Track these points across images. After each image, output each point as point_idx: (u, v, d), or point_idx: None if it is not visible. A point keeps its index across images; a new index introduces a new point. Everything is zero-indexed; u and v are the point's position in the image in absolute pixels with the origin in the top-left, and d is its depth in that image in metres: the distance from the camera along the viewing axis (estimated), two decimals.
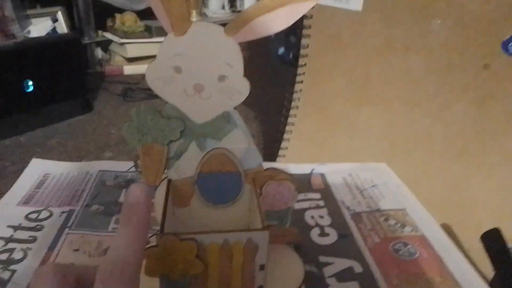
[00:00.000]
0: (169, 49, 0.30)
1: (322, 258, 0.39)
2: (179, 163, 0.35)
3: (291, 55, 0.71)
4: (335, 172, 0.53)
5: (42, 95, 0.93)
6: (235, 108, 0.34)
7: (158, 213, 0.35)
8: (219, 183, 0.36)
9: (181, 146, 0.34)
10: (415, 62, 0.61)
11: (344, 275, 0.37)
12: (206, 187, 0.36)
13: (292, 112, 0.70)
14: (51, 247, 0.38)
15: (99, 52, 1.34)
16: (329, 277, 0.37)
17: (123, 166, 0.51)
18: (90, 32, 1.26)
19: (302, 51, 0.64)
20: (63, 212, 0.43)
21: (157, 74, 0.31)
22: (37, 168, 0.50)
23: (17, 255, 0.37)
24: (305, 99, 0.68)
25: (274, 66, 0.84)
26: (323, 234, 0.42)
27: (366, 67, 0.63)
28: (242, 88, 0.33)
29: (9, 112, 0.89)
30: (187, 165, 0.35)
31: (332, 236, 0.42)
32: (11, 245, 0.38)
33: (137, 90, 1.03)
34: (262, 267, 0.32)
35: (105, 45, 1.36)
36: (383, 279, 0.37)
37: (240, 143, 0.35)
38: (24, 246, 0.38)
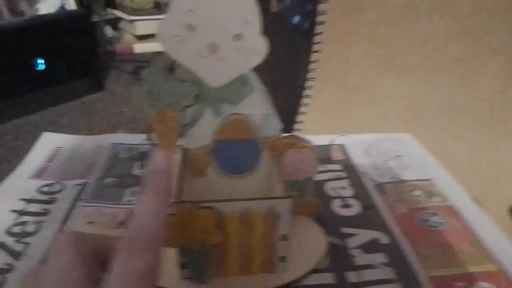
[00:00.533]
0: (181, 4, 0.28)
1: (345, 230, 0.37)
2: (194, 131, 0.33)
3: (307, 24, 0.67)
4: (356, 143, 0.51)
5: (53, 74, 0.92)
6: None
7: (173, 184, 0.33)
8: (236, 152, 0.34)
9: (195, 112, 0.32)
10: (440, 25, 0.57)
11: (369, 247, 0.35)
12: (222, 156, 0.34)
13: (308, 83, 0.67)
14: (65, 220, 0.37)
15: (108, 31, 1.32)
16: (353, 248, 0.35)
17: (136, 138, 0.49)
18: (99, 9, 1.23)
19: (319, 18, 0.61)
20: (76, 185, 0.41)
21: (168, 32, 0.29)
22: (49, 142, 0.49)
23: (30, 228, 0.36)
24: (322, 69, 0.65)
25: (288, 37, 0.81)
26: (345, 205, 0.40)
27: (387, 32, 0.59)
28: (259, 47, 0.30)
29: (21, 91, 0.88)
30: (202, 132, 0.33)
31: (356, 208, 0.40)
32: (24, 218, 0.37)
33: None
34: (284, 237, 0.30)
35: (114, 23, 1.33)
36: (411, 250, 0.35)
37: (258, 108, 0.33)
38: (37, 219, 0.37)
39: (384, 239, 0.36)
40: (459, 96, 0.59)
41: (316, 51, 0.64)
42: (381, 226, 0.37)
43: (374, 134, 0.53)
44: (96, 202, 0.39)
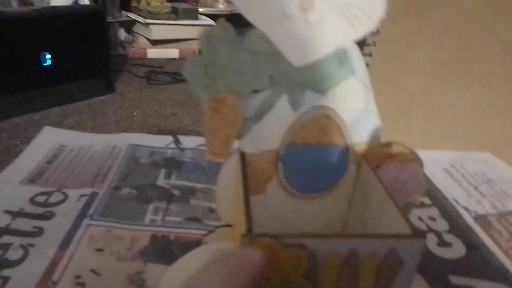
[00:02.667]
0: None
1: (454, 279, 0.27)
2: (259, 128, 0.23)
3: None
4: (432, 162, 0.41)
5: (61, 71, 0.84)
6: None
7: (221, 202, 0.24)
8: (314, 161, 0.24)
9: (265, 100, 0.22)
10: None
11: None
12: (294, 166, 0.24)
13: None
14: (64, 245, 0.26)
15: (122, 34, 1.27)
16: None
17: (160, 140, 0.39)
18: (114, 10, 1.18)
19: None
20: (82, 196, 0.31)
21: None
22: (51, 138, 0.39)
23: (13, 254, 0.25)
24: (374, 75, 0.55)
25: None
26: (443, 243, 0.30)
27: (460, 34, 0.50)
28: (374, 7, 0.21)
29: (23, 87, 0.79)
30: (271, 131, 0.23)
31: (457, 247, 0.29)
32: (6, 239, 0.26)
33: (162, 74, 0.95)
34: None
35: (129, 26, 1.29)
36: None
37: (355, 100, 0.23)
38: (25, 241, 0.26)
39: None
40: None
41: (369, 54, 0.55)
42: (502, 276, 0.27)
43: (452, 152, 0.43)
44: (108, 221, 0.29)
